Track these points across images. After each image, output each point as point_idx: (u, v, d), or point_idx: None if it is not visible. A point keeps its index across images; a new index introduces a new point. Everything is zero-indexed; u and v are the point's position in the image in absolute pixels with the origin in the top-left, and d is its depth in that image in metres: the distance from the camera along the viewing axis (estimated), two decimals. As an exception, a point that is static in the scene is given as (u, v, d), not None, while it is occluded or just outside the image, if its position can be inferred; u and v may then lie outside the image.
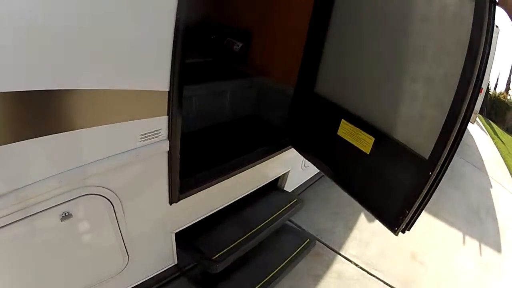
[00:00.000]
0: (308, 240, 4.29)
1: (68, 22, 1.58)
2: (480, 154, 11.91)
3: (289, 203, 4.16)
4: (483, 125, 18.92)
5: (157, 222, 2.85)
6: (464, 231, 6.53)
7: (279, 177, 4.38)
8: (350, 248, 4.90)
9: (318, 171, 5.44)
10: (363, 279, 4.49)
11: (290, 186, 4.63)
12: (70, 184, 1.96)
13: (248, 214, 3.80)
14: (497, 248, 6.53)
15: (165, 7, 1.96)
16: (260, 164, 3.59)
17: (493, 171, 10.74)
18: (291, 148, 3.87)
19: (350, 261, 4.67)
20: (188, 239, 3.29)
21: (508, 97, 26.54)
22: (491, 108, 24.12)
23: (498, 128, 21.31)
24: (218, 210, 3.61)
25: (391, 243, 5.31)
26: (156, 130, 2.27)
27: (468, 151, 11.53)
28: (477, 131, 15.50)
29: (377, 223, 5.43)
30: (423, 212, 6.23)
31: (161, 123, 2.28)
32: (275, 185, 4.53)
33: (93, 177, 2.07)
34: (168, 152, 2.43)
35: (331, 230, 5.14)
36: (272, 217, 3.83)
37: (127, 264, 2.72)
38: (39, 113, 1.66)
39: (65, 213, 2.03)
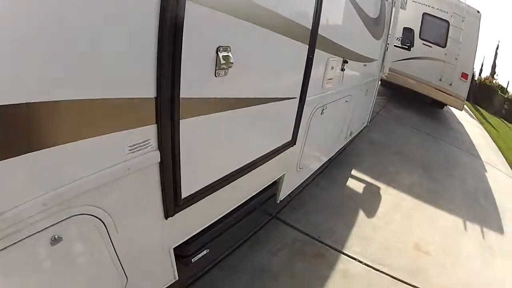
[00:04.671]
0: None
1: (40, 28, 1.47)
2: (471, 140, 11.98)
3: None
4: (472, 111, 19.04)
5: (154, 238, 2.69)
6: (465, 217, 6.56)
7: (275, 182, 4.26)
8: (353, 245, 4.85)
9: (313, 171, 5.44)
10: (369, 275, 4.45)
11: (286, 190, 4.48)
12: (57, 205, 1.81)
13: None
14: (499, 230, 6.62)
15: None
16: (256, 168, 3.46)
17: (486, 155, 10.87)
18: (285, 149, 3.80)
19: (354, 258, 4.62)
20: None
21: (494, 81, 26.91)
22: (477, 93, 24.30)
23: (487, 113, 21.52)
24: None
25: (392, 237, 5.32)
26: (145, 141, 2.13)
27: (460, 139, 11.60)
28: (466, 118, 15.58)
29: (378, 217, 5.49)
30: (422, 203, 6.34)
31: (149, 132, 2.14)
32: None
33: (81, 195, 1.92)
34: (160, 163, 2.29)
35: (332, 229, 5.07)
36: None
37: (125, 286, 2.56)
38: (15, 129, 1.52)
39: (54, 237, 1.87)
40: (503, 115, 24.46)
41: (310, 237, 4.78)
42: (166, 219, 2.60)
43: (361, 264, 4.56)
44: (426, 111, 12.84)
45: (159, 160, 2.27)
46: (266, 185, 3.95)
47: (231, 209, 3.47)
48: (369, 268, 4.54)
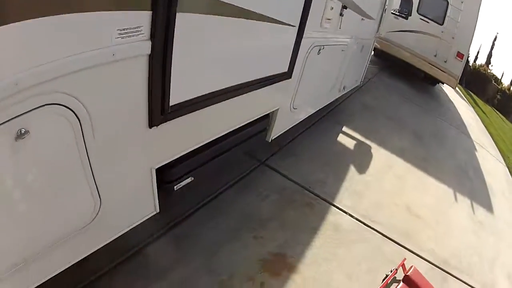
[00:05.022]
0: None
1: None
2: (462, 119, 11.90)
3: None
4: (464, 95, 18.98)
5: (135, 151, 2.37)
6: (455, 188, 6.46)
7: (267, 117, 4.02)
8: (344, 199, 4.68)
9: (306, 116, 5.23)
10: (360, 231, 4.29)
11: (278, 129, 4.27)
12: (29, 88, 1.54)
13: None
14: (489, 208, 6.54)
15: None
16: (250, 92, 3.23)
17: (477, 136, 10.88)
18: (280, 80, 3.60)
19: (346, 212, 4.45)
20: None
21: (489, 70, 27.11)
22: (470, 79, 24.34)
23: (479, 99, 21.55)
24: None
25: (384, 196, 5.20)
26: (137, 27, 1.87)
27: (451, 116, 11.53)
28: (458, 99, 15.52)
29: (369, 175, 5.39)
30: (414, 168, 6.20)
31: (143, 19, 1.89)
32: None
33: (58, 79, 1.65)
34: (149, 56, 2.02)
35: (323, 181, 4.89)
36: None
37: (98, 210, 2.23)
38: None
39: (20, 130, 1.58)
40: (494, 104, 24.71)
41: (300, 186, 4.60)
42: (150, 128, 2.32)
43: (352, 219, 4.41)
44: (418, 85, 12.70)
45: (149, 52, 2.01)
46: (259, 116, 3.75)
47: (221, 134, 3.22)
48: (360, 224, 4.39)
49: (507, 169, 9.79)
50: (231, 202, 3.95)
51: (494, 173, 8.57)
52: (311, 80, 4.51)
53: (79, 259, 2.31)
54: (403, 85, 12.00)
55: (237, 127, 3.43)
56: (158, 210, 2.85)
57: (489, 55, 33.27)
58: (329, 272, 3.58)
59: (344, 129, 6.83)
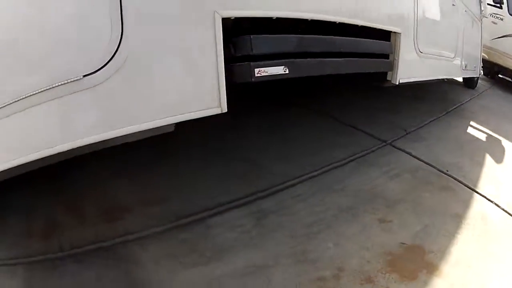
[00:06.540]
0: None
1: None
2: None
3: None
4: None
5: None
6: None
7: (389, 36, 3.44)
8: (485, 186, 3.84)
9: (435, 76, 5.03)
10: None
11: (405, 71, 3.66)
12: None
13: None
14: None
15: None
16: None
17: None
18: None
19: (491, 201, 3.58)
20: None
21: None
22: None
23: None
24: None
25: None
26: None
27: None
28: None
29: (507, 163, 4.76)
30: None
31: None
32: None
33: None
34: None
35: (459, 165, 4.12)
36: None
37: (117, 48, 1.51)
38: None
39: None
40: None
41: (436, 169, 3.88)
42: None
43: (500, 209, 3.50)
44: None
45: None
46: (377, 25, 3.11)
47: (327, 17, 2.48)
48: (510, 216, 3.46)
49: None
50: (344, 178, 3.29)
51: None
52: (429, 21, 4.10)
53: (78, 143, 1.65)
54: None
55: (349, 21, 2.71)
56: (224, 109, 1.94)
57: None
58: (483, 276, 2.63)
59: (471, 123, 6.15)
